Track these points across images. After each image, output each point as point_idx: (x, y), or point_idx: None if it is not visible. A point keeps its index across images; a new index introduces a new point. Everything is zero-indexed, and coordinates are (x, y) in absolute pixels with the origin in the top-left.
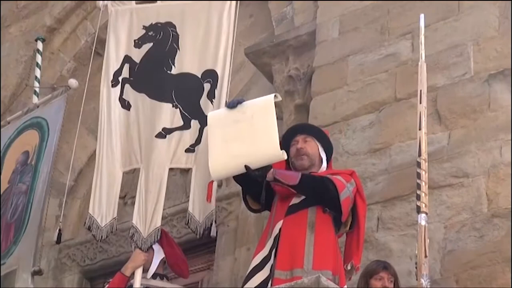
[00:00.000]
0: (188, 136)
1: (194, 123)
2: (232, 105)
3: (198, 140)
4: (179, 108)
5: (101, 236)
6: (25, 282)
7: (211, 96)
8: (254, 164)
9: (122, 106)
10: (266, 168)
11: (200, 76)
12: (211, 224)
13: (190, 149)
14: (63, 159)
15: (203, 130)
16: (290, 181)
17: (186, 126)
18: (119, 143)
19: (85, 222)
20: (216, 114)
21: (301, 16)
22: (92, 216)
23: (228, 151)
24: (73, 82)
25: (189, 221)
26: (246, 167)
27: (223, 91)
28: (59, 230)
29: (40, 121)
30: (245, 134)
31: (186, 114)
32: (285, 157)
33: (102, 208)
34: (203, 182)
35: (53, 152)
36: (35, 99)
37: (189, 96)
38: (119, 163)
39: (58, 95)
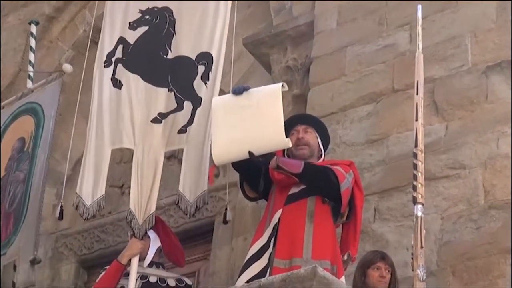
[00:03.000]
0: (181, 118)
1: (187, 104)
2: (238, 91)
3: (190, 121)
4: (174, 91)
5: (88, 215)
6: (25, 272)
7: (205, 78)
8: (258, 150)
9: (113, 85)
10: (269, 155)
11: (194, 58)
12: (203, 205)
13: (182, 130)
14: (61, 148)
15: (195, 111)
16: (293, 169)
17: (179, 108)
18: (108, 120)
19: (73, 203)
20: (221, 99)
21: (299, 6)
22: (79, 196)
23: (232, 136)
24: (67, 67)
25: (179, 200)
26: (250, 153)
27: (218, 73)
28: (61, 206)
29: (35, 106)
30: (250, 120)
31: (180, 96)
32: (290, 145)
33: (89, 186)
34: (194, 162)
35: (50, 139)
36: (29, 84)
37: (183, 79)
38: (108, 139)
39: (52, 80)
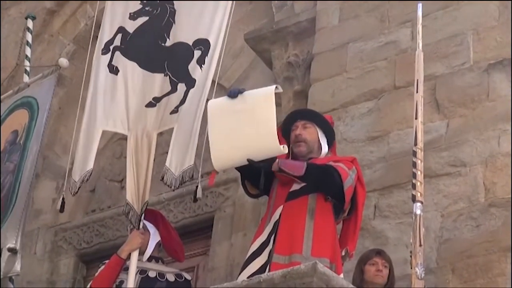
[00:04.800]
0: (174, 99)
1: (180, 86)
2: (233, 94)
3: (182, 101)
4: (169, 75)
5: (73, 191)
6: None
7: (200, 61)
8: (256, 156)
9: (110, 71)
10: (270, 160)
11: (191, 44)
12: (188, 179)
13: (174, 111)
14: (61, 142)
15: (188, 92)
16: (295, 172)
17: (173, 90)
18: (102, 103)
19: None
20: (216, 102)
21: (301, 2)
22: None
23: (230, 142)
24: (63, 61)
25: (165, 175)
26: (249, 160)
27: (214, 58)
28: (62, 198)
29: (31, 100)
30: (245, 125)
31: (174, 79)
32: (286, 151)
33: (77, 164)
34: (183, 138)
35: (42, 132)
36: (25, 78)
37: (179, 63)
38: (100, 121)
39: (48, 75)
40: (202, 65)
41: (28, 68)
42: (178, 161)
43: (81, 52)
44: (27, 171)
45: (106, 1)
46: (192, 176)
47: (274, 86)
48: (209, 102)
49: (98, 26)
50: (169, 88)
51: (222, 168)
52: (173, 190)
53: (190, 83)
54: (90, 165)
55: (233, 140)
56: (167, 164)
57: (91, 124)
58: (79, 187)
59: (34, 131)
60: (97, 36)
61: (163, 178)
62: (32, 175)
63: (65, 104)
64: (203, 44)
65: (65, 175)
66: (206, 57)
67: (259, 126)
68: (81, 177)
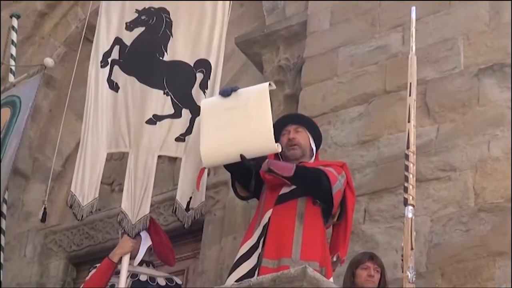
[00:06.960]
0: (179, 125)
1: (185, 113)
2: (226, 93)
3: (189, 130)
4: (170, 96)
5: (82, 216)
6: None
7: (203, 86)
8: (248, 153)
9: (110, 87)
10: (261, 158)
11: (192, 65)
12: (200, 215)
13: (180, 138)
14: (51, 144)
15: (194, 121)
16: (284, 173)
17: (176, 114)
18: (105, 124)
19: (67, 201)
20: (209, 101)
21: (292, 6)
22: (74, 195)
23: (221, 139)
24: (49, 61)
25: (176, 209)
26: (242, 156)
27: (216, 82)
28: (44, 208)
29: (15, 99)
30: (239, 122)
31: (177, 103)
32: (280, 150)
33: (84, 187)
34: (192, 172)
35: (24, 128)
36: (11, 78)
37: (181, 85)
38: (104, 143)
39: (34, 74)
40: (205, 90)
41: (13, 68)
42: (189, 197)
43: (72, 54)
44: (5, 165)
45: (99, 5)
46: (204, 212)
47: (267, 83)
48: (202, 101)
49: (89, 28)
50: (171, 110)
51: (212, 165)
52: (185, 227)
53: (195, 110)
54: (97, 192)
55: (224, 137)
56: (178, 198)
57: (95, 146)
58: (87, 215)
59: (14, 127)
60: (87, 38)
61: (175, 212)
62: (11, 170)
63: (55, 106)
64: (205, 66)
65: (55, 178)
66: (208, 81)
67: (253, 122)
68: (88, 204)
